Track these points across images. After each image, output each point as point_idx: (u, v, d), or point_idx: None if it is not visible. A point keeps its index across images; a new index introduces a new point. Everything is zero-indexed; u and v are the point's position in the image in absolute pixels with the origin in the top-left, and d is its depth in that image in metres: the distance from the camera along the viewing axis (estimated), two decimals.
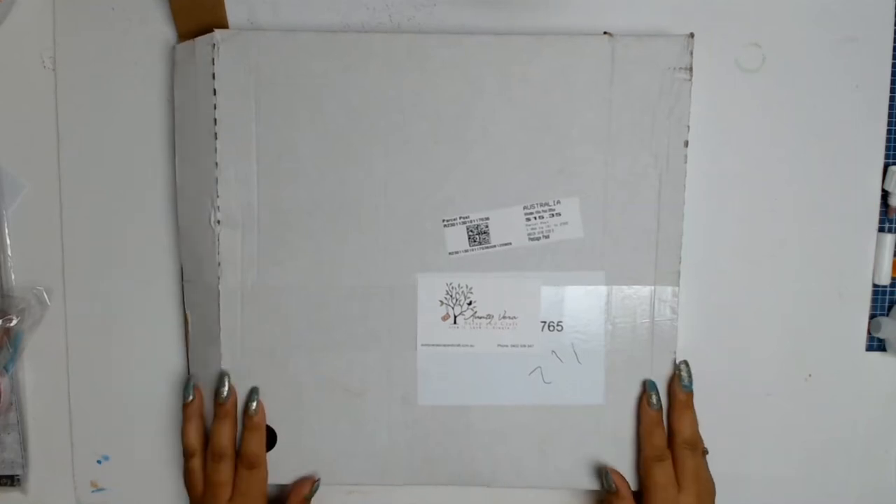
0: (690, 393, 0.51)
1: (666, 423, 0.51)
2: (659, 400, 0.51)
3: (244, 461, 0.49)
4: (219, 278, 0.51)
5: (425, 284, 0.51)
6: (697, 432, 0.51)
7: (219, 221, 0.51)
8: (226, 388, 0.50)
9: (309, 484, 0.51)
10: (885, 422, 0.55)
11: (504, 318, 0.52)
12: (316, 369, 0.52)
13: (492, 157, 0.50)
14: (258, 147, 0.50)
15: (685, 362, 0.51)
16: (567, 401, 0.52)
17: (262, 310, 0.51)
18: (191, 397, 0.51)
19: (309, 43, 0.50)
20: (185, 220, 0.52)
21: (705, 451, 0.51)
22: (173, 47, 0.51)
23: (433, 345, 0.51)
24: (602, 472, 0.51)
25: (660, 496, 0.49)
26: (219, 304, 0.51)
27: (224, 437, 0.49)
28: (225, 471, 0.49)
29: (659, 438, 0.50)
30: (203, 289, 0.52)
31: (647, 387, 0.51)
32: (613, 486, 0.50)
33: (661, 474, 0.50)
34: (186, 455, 0.50)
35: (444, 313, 0.51)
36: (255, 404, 0.50)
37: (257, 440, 0.50)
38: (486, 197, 0.51)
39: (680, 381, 0.51)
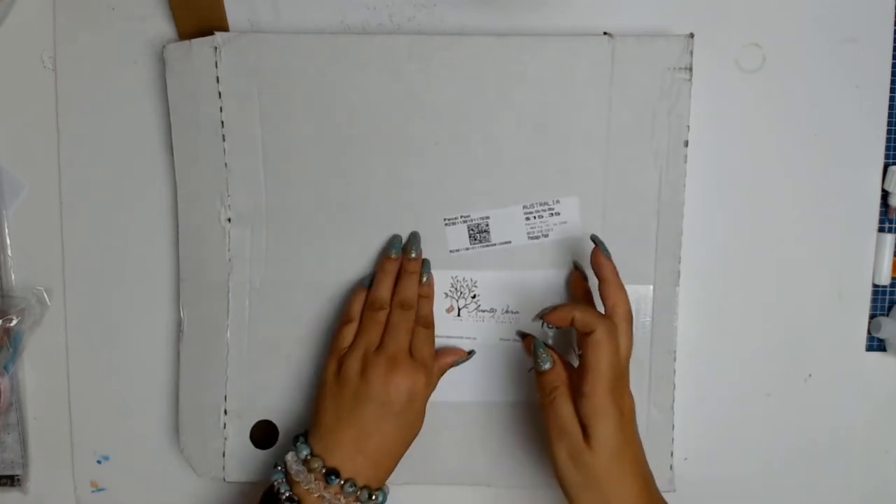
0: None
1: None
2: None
3: (420, 320, 0.50)
4: (229, 275, 0.51)
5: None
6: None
7: (229, 219, 0.51)
8: (418, 246, 0.51)
9: (465, 353, 0.52)
10: (885, 422, 0.55)
11: (507, 312, 0.52)
12: (320, 364, 0.52)
13: (492, 156, 0.50)
14: (264, 148, 0.51)
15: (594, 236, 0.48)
16: None
17: (268, 306, 0.52)
18: (394, 254, 0.51)
19: (310, 45, 0.50)
20: (185, 220, 0.52)
21: None
22: (164, 46, 0.51)
23: (437, 336, 0.51)
24: (534, 345, 0.47)
25: (605, 351, 0.44)
26: (228, 301, 0.51)
27: (412, 289, 0.50)
28: (410, 319, 0.50)
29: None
30: (206, 286, 0.52)
31: (576, 265, 0.51)
32: (549, 361, 0.47)
33: (604, 331, 0.44)
34: (376, 306, 0.50)
35: (448, 305, 0.52)
36: (426, 276, 0.51)
37: (428, 306, 0.52)
38: (486, 196, 0.51)
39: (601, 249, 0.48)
